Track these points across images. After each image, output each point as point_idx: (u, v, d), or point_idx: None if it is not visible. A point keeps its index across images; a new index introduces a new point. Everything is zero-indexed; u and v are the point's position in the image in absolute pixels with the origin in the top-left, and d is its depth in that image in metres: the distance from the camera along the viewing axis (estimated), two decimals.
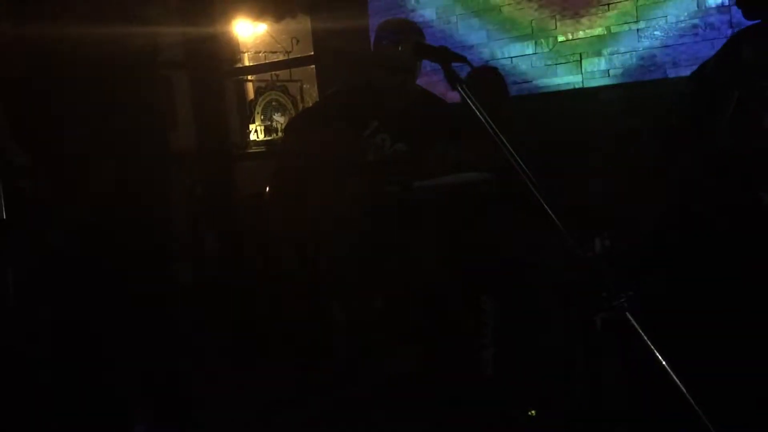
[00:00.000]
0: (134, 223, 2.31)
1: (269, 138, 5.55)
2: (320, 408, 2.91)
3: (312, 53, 5.01)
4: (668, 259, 2.16)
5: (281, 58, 5.57)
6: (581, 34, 3.85)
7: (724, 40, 2.31)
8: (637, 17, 3.66)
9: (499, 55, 4.11)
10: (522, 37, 4.04)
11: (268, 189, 3.13)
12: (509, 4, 4.06)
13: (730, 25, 2.32)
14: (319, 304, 3.30)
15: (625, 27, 3.70)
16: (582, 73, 3.87)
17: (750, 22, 2.18)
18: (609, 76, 3.78)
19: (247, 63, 5.68)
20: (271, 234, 3.91)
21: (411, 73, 2.93)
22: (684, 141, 2.24)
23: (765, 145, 1.97)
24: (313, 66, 5.06)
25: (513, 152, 1.53)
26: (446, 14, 4.31)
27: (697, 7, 3.37)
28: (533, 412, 2.55)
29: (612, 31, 3.75)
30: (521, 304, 2.82)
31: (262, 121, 5.60)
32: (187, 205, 5.00)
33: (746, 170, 1.97)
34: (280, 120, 5.62)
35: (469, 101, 1.59)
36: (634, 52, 3.68)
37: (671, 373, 1.40)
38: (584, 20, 3.83)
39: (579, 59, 3.87)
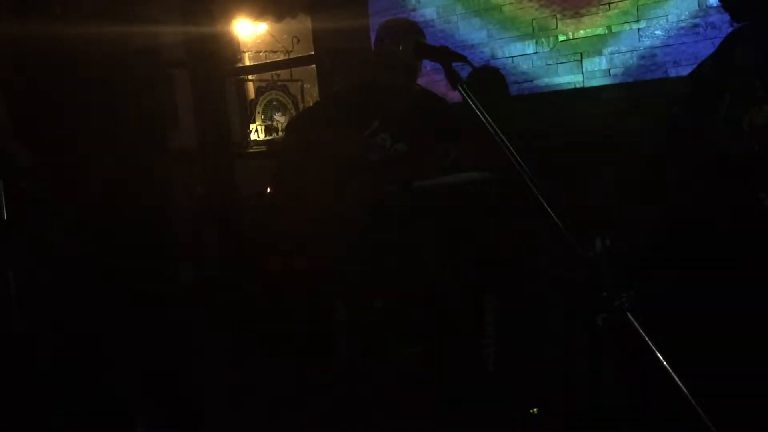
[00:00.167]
0: (134, 223, 2.32)
1: (270, 138, 5.55)
2: (320, 408, 2.91)
3: (312, 53, 5.01)
4: (668, 258, 2.16)
5: (282, 57, 5.56)
6: (582, 33, 3.84)
7: None
8: (638, 16, 3.65)
9: (499, 54, 4.11)
10: (523, 37, 4.04)
11: (269, 189, 3.14)
12: (510, 4, 4.05)
13: (731, 24, 2.32)
14: (320, 304, 3.31)
15: (626, 26, 3.70)
16: (583, 73, 3.86)
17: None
18: (610, 75, 3.78)
19: (247, 62, 5.68)
20: (272, 233, 3.91)
21: (412, 72, 2.93)
22: (683, 141, 2.24)
23: (759, 145, 1.97)
24: (314, 65, 5.06)
25: (513, 152, 1.53)
26: (447, 14, 4.31)
27: (698, 6, 3.37)
28: (535, 410, 2.55)
29: (613, 31, 3.75)
30: (522, 304, 2.82)
31: (263, 120, 5.60)
32: (187, 205, 5.00)
33: (745, 170, 1.97)
34: (280, 120, 5.61)
35: (469, 101, 1.58)
36: (635, 52, 3.67)
37: (672, 372, 1.40)
38: (585, 19, 3.82)
39: (580, 59, 3.86)
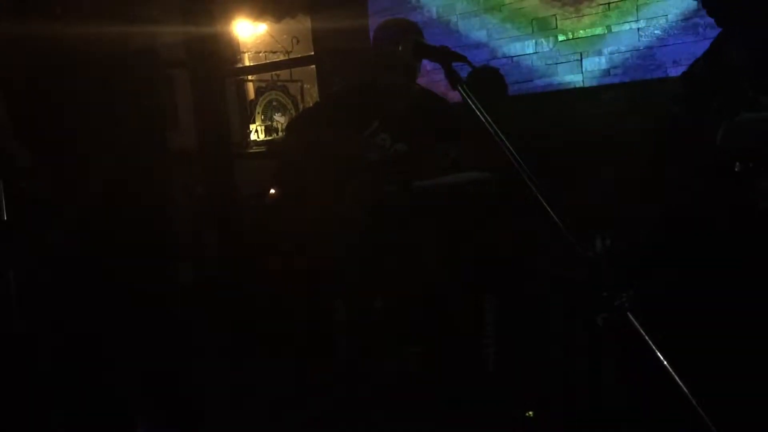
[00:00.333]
0: (134, 223, 2.32)
1: (270, 138, 5.55)
2: (320, 408, 2.91)
3: (312, 53, 5.01)
4: (668, 258, 2.16)
5: (281, 58, 5.56)
6: (582, 33, 3.85)
7: None
8: (637, 16, 3.65)
9: (499, 54, 4.11)
10: (522, 37, 4.04)
11: (273, 191, 3.13)
12: (509, 3, 4.05)
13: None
14: (320, 304, 3.31)
15: (626, 26, 3.70)
16: (582, 73, 3.87)
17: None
18: (609, 75, 3.78)
19: (247, 63, 5.68)
20: (272, 233, 3.91)
21: (411, 72, 2.93)
22: (683, 141, 2.24)
23: (750, 146, 1.96)
24: (314, 66, 5.06)
25: (513, 152, 1.53)
26: (446, 14, 4.31)
27: (698, 5, 3.37)
28: (531, 413, 2.55)
29: (612, 30, 3.75)
30: (522, 304, 2.82)
31: (263, 121, 5.60)
32: (187, 205, 5.00)
33: (739, 171, 1.97)
34: (280, 120, 5.62)
35: (469, 101, 1.58)
36: (634, 51, 3.68)
37: (672, 372, 1.40)
38: (585, 19, 3.82)
39: (579, 58, 3.86)
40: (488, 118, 1.57)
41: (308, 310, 3.54)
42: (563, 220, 1.48)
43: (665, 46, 3.56)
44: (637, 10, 3.65)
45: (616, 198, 2.96)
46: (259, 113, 5.59)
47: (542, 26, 3.96)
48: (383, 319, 2.88)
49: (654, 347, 1.40)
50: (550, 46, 3.95)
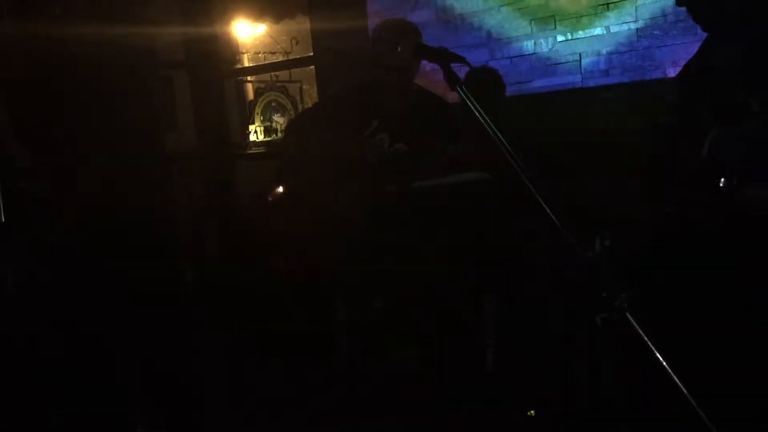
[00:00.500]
0: (134, 223, 2.32)
1: (269, 139, 5.55)
2: (320, 408, 2.91)
3: (311, 54, 5.01)
4: (667, 259, 2.16)
5: (281, 58, 5.57)
6: (581, 33, 3.85)
7: None
8: (636, 16, 3.66)
9: (498, 55, 4.11)
10: (521, 37, 4.04)
11: (281, 189, 3.12)
12: (508, 4, 4.06)
13: None
14: (320, 304, 3.31)
15: (625, 26, 3.71)
16: (581, 73, 3.87)
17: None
18: (608, 75, 3.78)
19: (246, 64, 5.69)
20: (272, 234, 3.91)
21: (409, 73, 2.94)
22: (681, 142, 2.24)
23: (735, 161, 1.96)
24: (313, 67, 5.07)
25: (512, 152, 1.53)
26: (445, 14, 4.31)
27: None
28: (532, 412, 2.56)
29: (611, 31, 3.76)
30: (522, 304, 2.82)
31: (262, 121, 5.60)
32: (187, 205, 5.01)
33: (724, 186, 1.97)
34: (279, 121, 5.62)
35: (468, 102, 1.59)
36: (633, 52, 3.68)
37: (671, 373, 1.40)
38: (583, 20, 3.83)
39: (578, 59, 3.87)
40: (487, 119, 1.57)
41: (308, 310, 3.54)
42: (562, 220, 1.48)
43: (664, 46, 3.57)
44: (636, 10, 3.65)
45: (616, 198, 2.96)
46: (258, 114, 5.59)
47: (541, 27, 3.97)
48: (383, 319, 2.88)
49: (653, 347, 1.41)
50: (549, 46, 3.95)
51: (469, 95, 1.59)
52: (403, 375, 2.86)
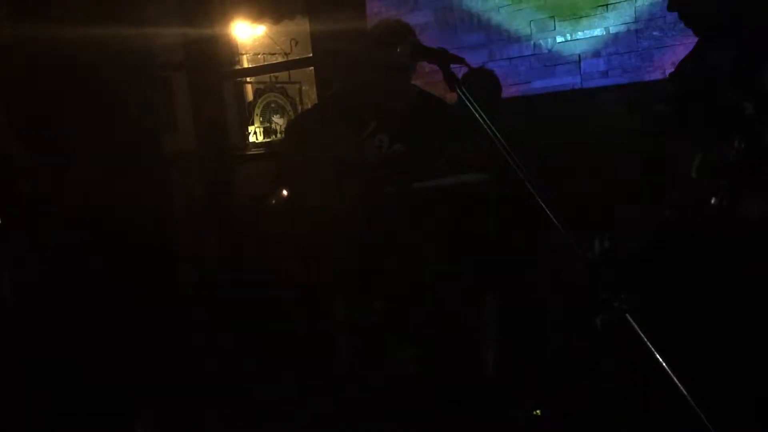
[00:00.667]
0: (134, 223, 2.32)
1: (268, 140, 5.55)
2: (320, 408, 2.91)
3: (311, 55, 5.02)
4: (667, 260, 2.16)
5: (280, 59, 5.57)
6: (580, 34, 3.85)
7: None
8: (635, 17, 3.67)
9: (497, 56, 4.11)
10: (521, 38, 4.05)
11: (282, 195, 3.12)
12: (508, 5, 4.06)
13: None
14: (320, 304, 3.31)
15: (624, 27, 3.71)
16: (581, 74, 3.88)
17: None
18: (608, 76, 3.79)
19: (245, 65, 5.69)
20: (273, 235, 3.92)
21: (407, 73, 2.94)
22: (671, 144, 2.24)
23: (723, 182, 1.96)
24: (312, 68, 5.07)
25: (511, 153, 1.54)
26: (444, 15, 4.31)
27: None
28: (538, 411, 2.55)
29: (610, 32, 3.76)
30: (522, 304, 2.82)
31: (261, 122, 5.60)
32: (187, 205, 5.00)
33: (715, 204, 1.97)
34: (278, 121, 5.62)
35: (467, 103, 1.59)
36: (632, 53, 3.69)
37: (671, 373, 1.41)
38: (583, 21, 3.83)
39: (578, 60, 3.87)
40: (486, 120, 1.57)
41: (308, 311, 3.54)
42: (562, 221, 1.48)
43: (663, 47, 3.57)
44: (635, 11, 3.66)
45: (615, 199, 2.96)
46: (257, 115, 5.59)
47: (540, 28, 3.97)
48: (383, 319, 2.88)
49: (653, 348, 1.41)
50: (549, 47, 3.96)
51: (468, 96, 1.60)
52: (403, 375, 2.86)
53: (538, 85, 4.00)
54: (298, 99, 5.75)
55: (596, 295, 1.46)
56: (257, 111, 5.58)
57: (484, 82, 3.58)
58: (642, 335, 1.42)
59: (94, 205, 2.27)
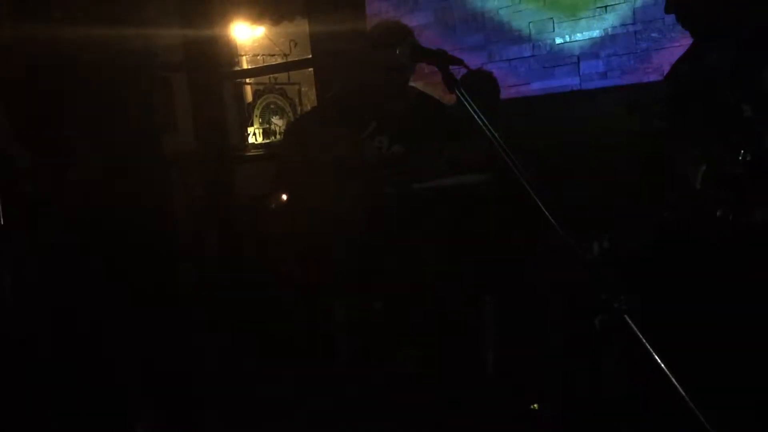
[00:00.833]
0: (134, 223, 2.33)
1: (268, 141, 5.55)
2: (320, 408, 2.91)
3: (310, 56, 5.02)
4: (666, 260, 2.17)
5: (279, 61, 5.57)
6: (579, 36, 3.86)
7: None
8: (634, 19, 3.67)
9: (497, 57, 4.12)
10: (520, 40, 4.05)
11: (282, 198, 3.13)
12: (507, 7, 4.07)
13: None
14: (320, 305, 3.31)
15: (623, 29, 3.72)
16: (580, 75, 3.88)
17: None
18: (606, 77, 3.79)
19: (245, 66, 5.69)
20: (273, 236, 3.92)
21: (406, 74, 2.95)
22: (668, 145, 2.25)
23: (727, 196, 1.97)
24: (311, 69, 5.07)
25: (510, 154, 1.54)
26: (444, 16, 4.32)
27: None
28: (536, 405, 2.56)
29: (609, 33, 3.77)
30: (522, 304, 2.82)
31: (261, 123, 5.61)
32: (187, 205, 5.01)
33: (721, 216, 1.97)
34: (278, 123, 5.62)
35: (466, 104, 1.60)
36: (631, 54, 3.69)
37: (669, 374, 1.41)
38: (582, 22, 3.84)
39: (577, 61, 3.88)
40: (485, 121, 1.58)
41: (308, 311, 3.54)
42: (561, 221, 1.49)
43: (662, 48, 3.58)
44: (634, 13, 3.66)
45: (615, 200, 2.97)
46: (257, 116, 5.59)
47: (539, 29, 3.98)
48: (383, 320, 2.89)
49: (651, 349, 1.42)
50: (548, 49, 3.96)
51: (467, 97, 1.60)
52: (403, 376, 2.86)
53: (537, 86, 4.00)
54: (297, 100, 5.76)
55: (596, 296, 1.47)
56: (257, 112, 5.59)
57: (482, 83, 3.58)
58: (640, 336, 1.43)
59: (94, 205, 2.28)
